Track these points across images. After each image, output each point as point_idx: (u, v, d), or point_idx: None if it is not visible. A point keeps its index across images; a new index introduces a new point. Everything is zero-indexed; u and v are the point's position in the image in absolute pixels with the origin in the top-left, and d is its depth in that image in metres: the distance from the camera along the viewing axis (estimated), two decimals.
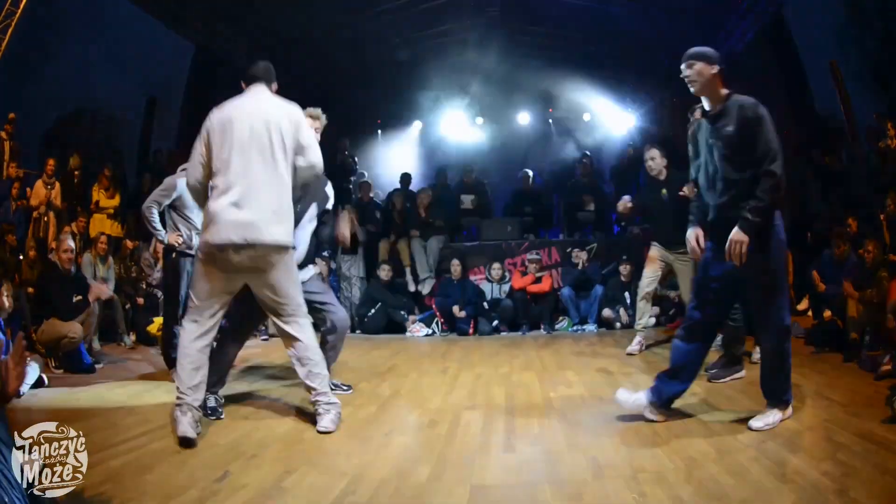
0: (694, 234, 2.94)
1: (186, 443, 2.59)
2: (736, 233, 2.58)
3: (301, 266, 3.30)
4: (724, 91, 2.71)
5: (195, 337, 2.76)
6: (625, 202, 5.01)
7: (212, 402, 3.09)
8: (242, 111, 2.76)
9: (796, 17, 7.61)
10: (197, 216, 4.13)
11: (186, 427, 2.62)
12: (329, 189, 3.75)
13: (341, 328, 3.56)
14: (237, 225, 2.61)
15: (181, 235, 4.16)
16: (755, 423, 2.63)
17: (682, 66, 2.73)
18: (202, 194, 2.81)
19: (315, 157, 2.85)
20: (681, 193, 4.19)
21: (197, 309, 2.78)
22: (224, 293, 2.81)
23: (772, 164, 2.56)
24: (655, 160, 4.71)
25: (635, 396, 2.85)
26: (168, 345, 4.04)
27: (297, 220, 3.03)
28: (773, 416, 2.66)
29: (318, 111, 3.70)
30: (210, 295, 2.77)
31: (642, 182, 8.49)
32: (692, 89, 2.75)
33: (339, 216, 3.79)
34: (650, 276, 4.76)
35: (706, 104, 2.76)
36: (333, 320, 3.52)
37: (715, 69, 2.68)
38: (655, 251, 4.72)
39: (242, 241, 2.61)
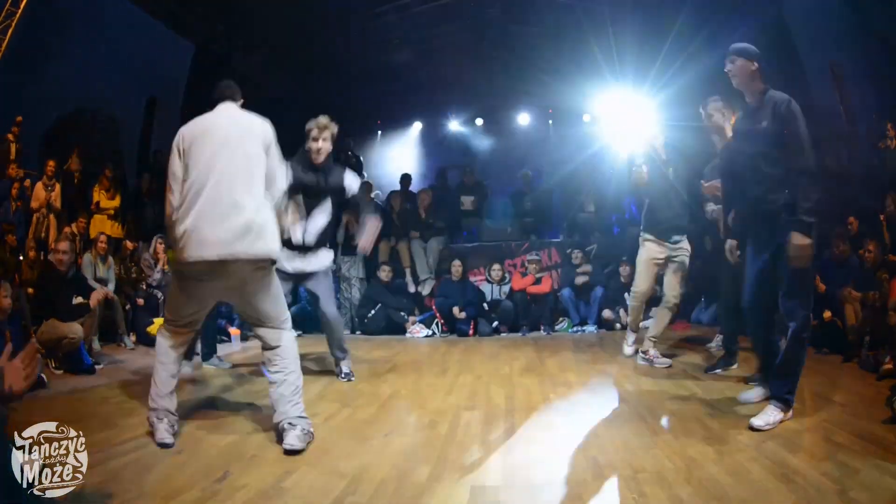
0: (733, 245, 3.18)
1: (165, 447, 2.58)
2: (799, 237, 2.65)
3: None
4: (762, 86, 2.86)
5: (171, 346, 2.74)
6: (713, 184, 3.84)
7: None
8: (215, 125, 2.69)
9: (796, 17, 7.59)
10: None
11: (164, 434, 2.60)
12: (350, 177, 3.89)
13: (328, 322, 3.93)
14: (212, 242, 2.46)
15: None
16: (756, 420, 2.63)
17: (726, 61, 2.89)
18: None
19: (277, 189, 2.72)
20: (705, 185, 3.99)
21: (173, 321, 2.76)
22: (201, 307, 2.78)
23: (806, 161, 2.67)
24: (658, 139, 4.38)
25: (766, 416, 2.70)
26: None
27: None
28: (773, 415, 2.66)
29: (327, 119, 3.73)
30: (188, 308, 2.73)
31: None
32: (734, 83, 2.91)
33: (367, 224, 3.84)
34: (649, 282, 4.46)
35: (746, 97, 2.93)
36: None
37: (754, 65, 2.84)
38: (653, 249, 4.34)
39: (216, 258, 2.47)
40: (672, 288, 4.39)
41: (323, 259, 3.91)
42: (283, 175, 2.81)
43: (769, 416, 2.66)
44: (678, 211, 4.29)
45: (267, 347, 2.74)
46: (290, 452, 2.48)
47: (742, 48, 2.87)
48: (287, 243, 3.60)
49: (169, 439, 2.60)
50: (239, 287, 2.63)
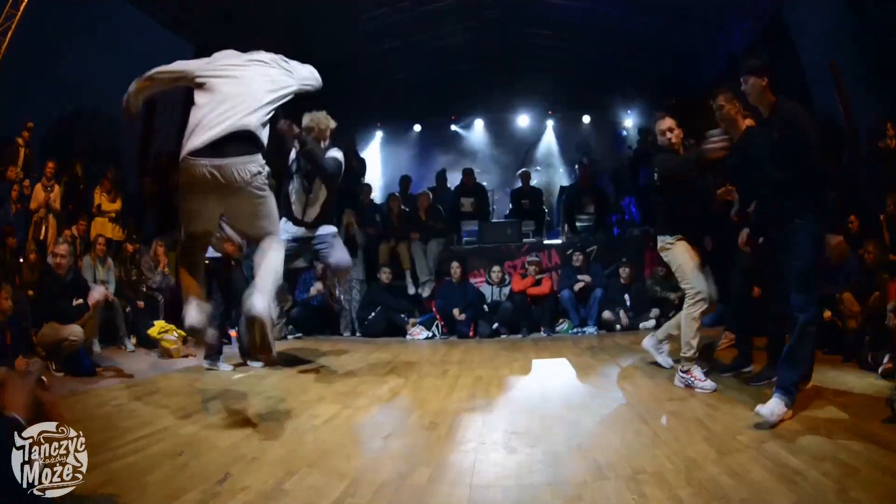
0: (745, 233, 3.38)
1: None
2: (829, 237, 2.86)
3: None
4: (773, 98, 3.01)
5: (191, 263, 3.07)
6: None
7: None
8: (239, 56, 2.96)
9: (796, 17, 7.60)
10: None
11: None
12: (335, 153, 4.09)
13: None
14: (207, 138, 2.69)
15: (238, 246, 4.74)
16: (762, 408, 2.67)
17: (741, 80, 3.07)
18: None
19: (307, 77, 3.07)
20: (720, 191, 3.92)
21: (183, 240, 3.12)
22: (206, 220, 2.99)
23: (816, 165, 2.89)
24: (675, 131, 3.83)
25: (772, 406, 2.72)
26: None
27: None
28: (778, 407, 2.68)
29: (325, 117, 3.80)
30: (195, 223, 2.98)
31: (641, 184, 8.52)
32: (749, 100, 3.11)
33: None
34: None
35: (761, 110, 3.08)
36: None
37: (764, 81, 2.98)
38: (688, 245, 3.72)
39: (206, 145, 2.69)
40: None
41: (325, 230, 4.24)
42: (307, 72, 3.08)
43: (773, 406, 2.68)
44: (702, 213, 3.93)
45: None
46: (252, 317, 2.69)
47: (752, 66, 3.01)
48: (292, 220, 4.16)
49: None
50: (232, 197, 2.79)
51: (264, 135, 2.85)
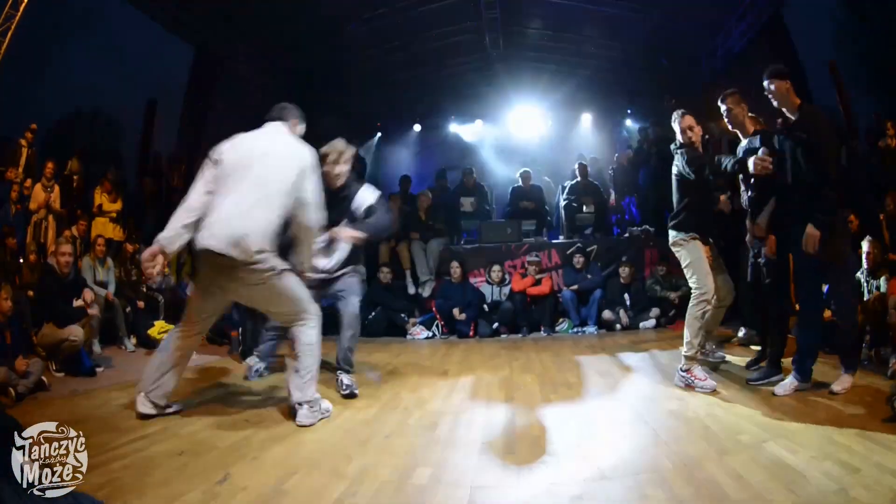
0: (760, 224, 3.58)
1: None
2: (810, 228, 3.07)
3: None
4: (797, 100, 3.18)
5: (178, 346, 3.15)
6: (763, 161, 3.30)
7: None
8: (255, 141, 3.02)
9: (795, 17, 7.61)
10: None
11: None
12: (365, 192, 3.79)
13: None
14: (217, 238, 2.80)
15: None
16: (778, 390, 3.19)
17: (765, 84, 3.20)
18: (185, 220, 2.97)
19: (313, 218, 3.02)
20: (721, 197, 4.34)
21: (187, 322, 3.20)
22: (216, 306, 3.18)
23: (831, 168, 3.04)
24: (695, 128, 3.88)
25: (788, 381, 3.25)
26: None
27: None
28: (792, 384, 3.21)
29: (342, 143, 3.69)
30: (204, 307, 3.16)
31: (641, 182, 8.52)
32: (774, 104, 3.22)
33: (366, 226, 3.69)
34: (712, 279, 3.70)
35: (787, 113, 3.21)
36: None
37: (788, 83, 3.15)
38: (701, 246, 3.74)
39: (216, 250, 2.80)
40: (725, 283, 3.99)
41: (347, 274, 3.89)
42: (317, 204, 3.04)
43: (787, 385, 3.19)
44: (712, 214, 4.01)
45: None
46: (302, 426, 2.94)
47: (776, 70, 3.18)
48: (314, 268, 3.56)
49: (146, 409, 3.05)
50: (241, 286, 2.94)
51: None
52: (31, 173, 6.77)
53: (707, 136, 3.93)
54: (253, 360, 4.30)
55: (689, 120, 3.71)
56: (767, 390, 3.32)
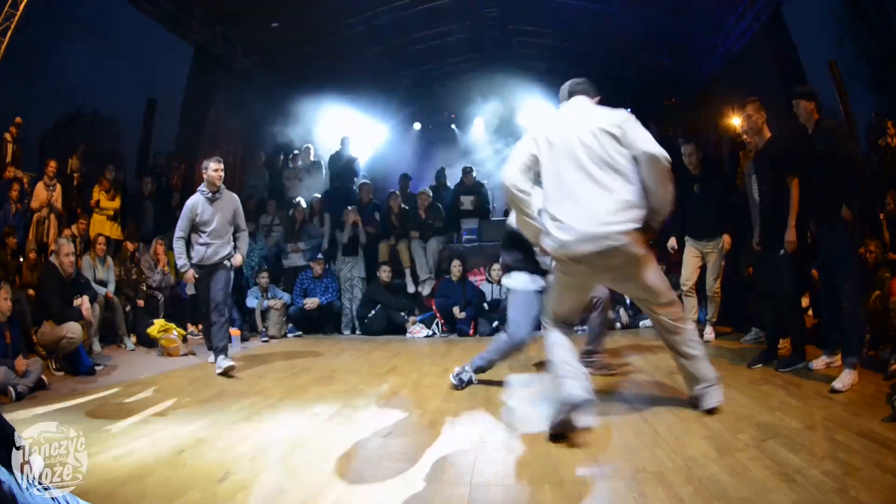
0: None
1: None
2: (845, 211, 3.36)
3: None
4: (817, 117, 3.53)
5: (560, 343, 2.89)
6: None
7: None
8: (567, 123, 3.03)
9: (795, 17, 7.59)
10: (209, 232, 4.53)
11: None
12: None
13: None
14: (584, 239, 2.62)
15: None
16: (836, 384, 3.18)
17: (793, 101, 3.58)
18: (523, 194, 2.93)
19: (652, 146, 2.81)
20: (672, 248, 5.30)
21: (553, 316, 2.95)
22: (582, 296, 3.02)
23: (849, 176, 3.39)
24: (693, 156, 5.16)
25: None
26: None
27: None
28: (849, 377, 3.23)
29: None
30: (568, 299, 2.93)
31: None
32: (799, 119, 3.59)
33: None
34: (691, 270, 5.14)
35: (808, 128, 3.56)
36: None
37: (812, 105, 3.51)
38: (691, 247, 5.13)
39: (590, 240, 2.61)
40: (714, 283, 5.18)
41: None
42: (650, 139, 2.88)
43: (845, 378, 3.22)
44: (707, 217, 5.07)
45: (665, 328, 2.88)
46: (711, 411, 2.82)
47: (803, 93, 3.57)
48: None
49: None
50: (620, 268, 2.70)
51: None
52: (19, 168, 6.75)
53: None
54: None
55: (690, 148, 5.00)
56: (767, 390, 3.32)
